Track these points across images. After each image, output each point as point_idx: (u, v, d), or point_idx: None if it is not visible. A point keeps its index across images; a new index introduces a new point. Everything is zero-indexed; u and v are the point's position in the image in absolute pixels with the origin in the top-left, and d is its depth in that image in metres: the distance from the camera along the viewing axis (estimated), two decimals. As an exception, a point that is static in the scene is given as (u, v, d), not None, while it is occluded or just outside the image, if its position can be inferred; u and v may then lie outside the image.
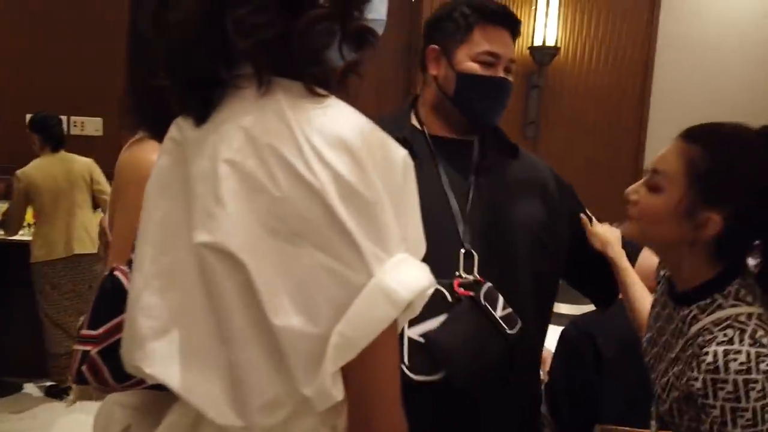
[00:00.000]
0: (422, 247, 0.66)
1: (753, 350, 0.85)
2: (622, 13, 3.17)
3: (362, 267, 0.56)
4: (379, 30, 0.71)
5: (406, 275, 0.58)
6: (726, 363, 0.85)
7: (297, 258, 0.56)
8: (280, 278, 0.56)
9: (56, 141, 3.26)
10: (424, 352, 1.04)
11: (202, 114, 0.63)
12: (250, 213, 0.57)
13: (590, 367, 1.53)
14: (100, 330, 0.75)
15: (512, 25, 1.24)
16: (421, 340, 1.05)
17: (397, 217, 0.60)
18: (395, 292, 0.56)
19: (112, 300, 0.75)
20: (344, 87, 0.66)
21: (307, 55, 0.61)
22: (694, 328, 0.94)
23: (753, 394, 0.84)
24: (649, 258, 1.27)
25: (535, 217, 1.25)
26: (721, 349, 0.87)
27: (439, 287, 1.07)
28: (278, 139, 0.57)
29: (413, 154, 1.11)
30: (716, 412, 0.86)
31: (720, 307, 0.93)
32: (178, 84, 0.63)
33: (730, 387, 0.85)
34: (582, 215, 1.36)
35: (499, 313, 1.10)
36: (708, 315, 0.93)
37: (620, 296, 1.32)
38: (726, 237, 0.91)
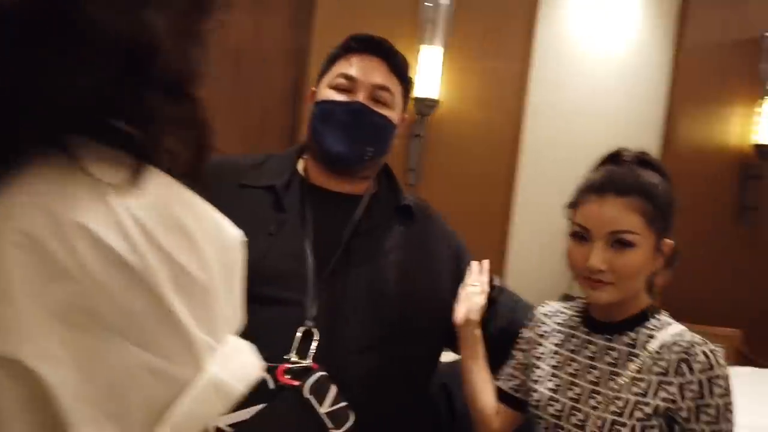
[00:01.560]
0: (237, 325, 0.60)
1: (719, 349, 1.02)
2: (498, 78, 3.40)
3: (190, 360, 0.49)
4: None
5: (238, 365, 0.53)
6: (717, 360, 0.98)
7: (108, 357, 0.46)
8: (85, 384, 0.46)
9: None
10: None
11: None
12: (45, 307, 0.45)
13: (445, 425, 1.34)
14: None
15: (383, 53, 1.13)
16: (231, 431, 0.96)
17: (226, 298, 0.55)
18: (228, 385, 0.50)
19: None
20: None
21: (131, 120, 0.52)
22: (653, 345, 1.01)
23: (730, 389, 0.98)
24: None
25: (408, 295, 1.09)
26: (707, 348, 1.00)
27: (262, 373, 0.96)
28: (90, 215, 0.46)
29: (281, 207, 1.06)
30: (712, 411, 0.97)
31: (668, 323, 1.06)
32: None
33: (722, 383, 0.97)
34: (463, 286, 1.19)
35: (325, 408, 0.95)
36: (662, 331, 1.04)
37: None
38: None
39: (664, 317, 1.09)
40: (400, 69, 1.15)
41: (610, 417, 1.01)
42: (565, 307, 1.19)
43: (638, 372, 1.01)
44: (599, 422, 1.00)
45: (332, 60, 1.13)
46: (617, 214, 1.00)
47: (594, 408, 1.03)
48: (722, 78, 3.79)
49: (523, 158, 3.44)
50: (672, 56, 3.72)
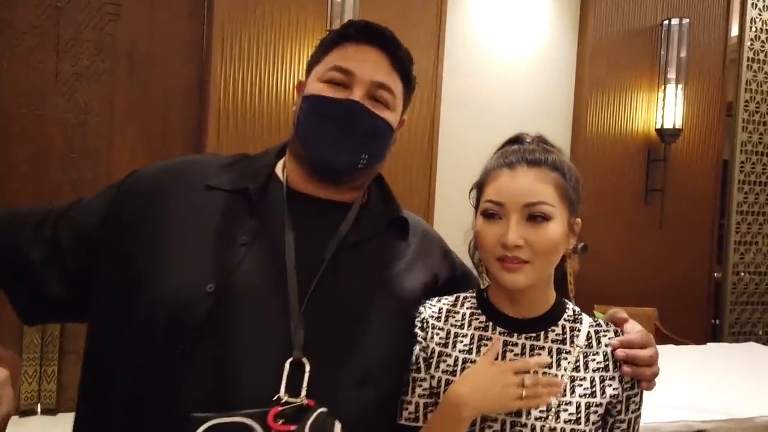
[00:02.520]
0: None
1: None
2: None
3: None
4: None
5: None
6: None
7: None
8: None
9: None
10: None
11: None
12: None
13: None
14: None
15: (385, 45, 0.94)
16: None
17: None
18: None
19: None
20: None
21: None
22: (581, 338, 0.95)
23: None
24: None
25: (402, 317, 0.95)
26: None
27: (247, 421, 0.76)
28: None
29: (256, 214, 0.88)
30: (638, 399, 0.94)
31: (579, 312, 1.00)
32: None
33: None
34: None
35: None
36: (583, 321, 0.98)
37: None
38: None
39: (571, 305, 1.01)
40: (403, 65, 0.97)
41: (567, 427, 0.89)
42: (449, 305, 1.00)
43: (575, 370, 0.93)
44: None
45: (325, 48, 0.96)
46: (531, 185, 0.91)
47: (540, 419, 0.90)
48: (625, 66, 3.93)
49: (440, 146, 3.44)
50: (576, 47, 3.81)
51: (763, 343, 3.64)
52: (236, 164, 0.98)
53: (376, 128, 0.94)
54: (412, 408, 0.95)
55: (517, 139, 1.02)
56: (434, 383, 0.95)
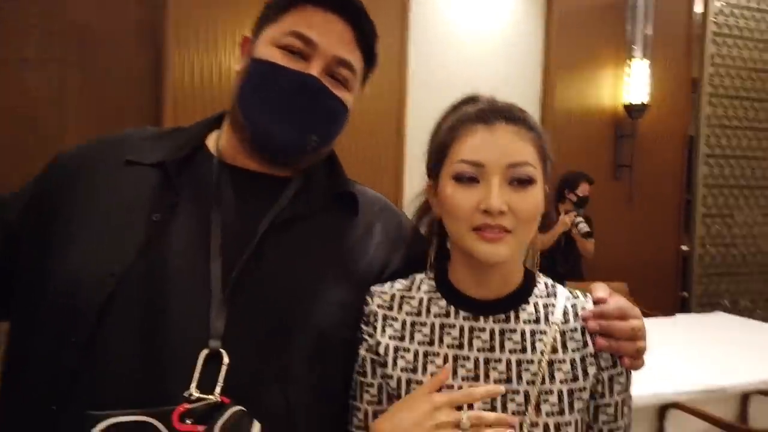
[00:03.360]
0: None
1: None
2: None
3: None
4: None
5: None
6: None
7: None
8: None
9: None
10: None
11: None
12: None
13: None
14: None
15: (351, 15, 0.84)
16: None
17: None
18: None
19: None
20: None
21: None
22: (557, 315, 0.82)
23: None
24: None
25: (332, 305, 0.83)
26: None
27: (149, 420, 0.68)
28: None
29: (175, 188, 0.79)
30: (623, 379, 0.83)
31: (552, 285, 0.87)
32: None
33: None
34: None
35: None
36: (558, 296, 0.85)
37: None
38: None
39: (543, 278, 0.88)
40: (368, 41, 0.87)
41: (550, 421, 0.78)
42: (403, 290, 0.87)
43: (554, 352, 0.80)
44: (536, 430, 0.78)
45: (282, 7, 0.83)
46: (513, 143, 0.78)
47: (518, 413, 0.78)
48: (592, 42, 3.91)
49: (409, 126, 3.39)
50: (543, 24, 3.78)
51: (730, 313, 3.70)
52: (164, 137, 0.89)
53: (331, 109, 0.85)
54: (361, 415, 0.84)
55: (473, 99, 0.89)
56: (393, 384, 0.81)
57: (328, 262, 0.84)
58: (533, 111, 3.75)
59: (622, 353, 0.81)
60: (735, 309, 4.29)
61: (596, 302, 0.84)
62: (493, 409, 0.78)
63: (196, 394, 0.71)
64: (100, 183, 0.83)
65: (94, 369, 0.72)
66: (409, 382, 0.81)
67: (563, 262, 3.48)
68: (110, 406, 0.69)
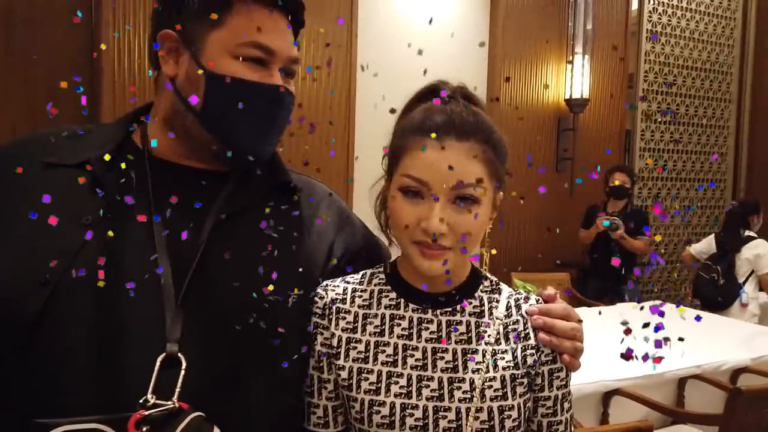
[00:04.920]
0: None
1: None
2: (324, 41, 3.26)
3: None
4: None
5: None
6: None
7: None
8: None
9: None
10: None
11: None
12: None
13: None
14: None
15: (290, 9, 0.83)
16: None
17: None
18: None
19: None
20: None
21: None
22: (501, 309, 0.87)
23: None
24: None
25: (288, 297, 0.82)
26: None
27: (102, 427, 0.65)
28: None
29: (104, 189, 0.75)
30: (563, 374, 0.86)
31: (495, 281, 0.91)
32: None
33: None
34: None
35: None
36: (501, 291, 0.89)
37: None
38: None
39: (489, 275, 0.92)
40: (298, 30, 0.87)
41: (494, 405, 0.81)
42: (355, 283, 0.89)
43: (497, 343, 0.85)
44: (481, 415, 0.80)
45: (223, 5, 0.79)
46: (461, 163, 0.78)
47: (464, 400, 0.81)
48: (536, 38, 3.98)
49: (358, 115, 3.37)
50: (488, 17, 3.82)
51: (663, 300, 3.88)
52: (85, 135, 0.83)
53: (290, 109, 0.86)
54: (320, 412, 0.85)
55: (435, 90, 0.88)
56: (345, 375, 0.83)
57: (274, 255, 0.82)
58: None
59: (562, 350, 0.85)
60: (668, 297, 4.51)
61: (545, 300, 0.89)
62: (441, 396, 0.82)
63: (152, 400, 0.68)
64: (19, 189, 0.77)
65: (34, 379, 0.68)
66: (360, 371, 0.83)
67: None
68: (58, 416, 0.65)
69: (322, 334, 0.85)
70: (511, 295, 0.89)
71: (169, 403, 0.68)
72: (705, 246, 3.76)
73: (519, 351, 0.85)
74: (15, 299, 0.69)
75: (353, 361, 0.84)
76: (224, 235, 0.80)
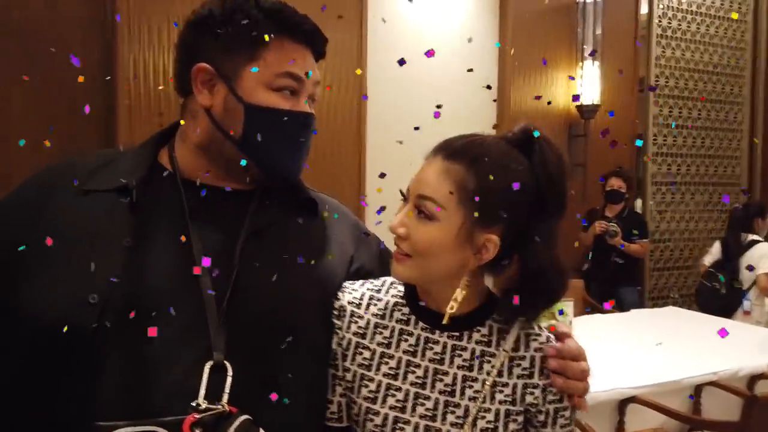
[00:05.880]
0: None
1: None
2: (335, 51, 3.28)
3: None
4: None
5: None
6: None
7: None
8: None
9: None
10: None
11: None
12: None
13: None
14: None
15: (319, 46, 0.91)
16: None
17: None
18: None
19: None
20: None
21: None
22: (509, 342, 0.86)
23: None
24: None
25: (318, 304, 0.89)
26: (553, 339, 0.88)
27: (159, 430, 0.71)
28: None
29: (140, 211, 0.80)
30: (568, 413, 0.86)
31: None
32: None
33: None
34: None
35: None
36: (513, 325, 0.88)
37: None
38: (500, 257, 0.84)
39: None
40: (319, 59, 0.93)
41: None
42: (373, 290, 0.92)
43: (499, 375, 0.85)
44: None
45: (255, 40, 0.84)
46: (431, 177, 0.83)
47: (456, 425, 0.83)
48: (545, 43, 3.99)
49: (369, 124, 3.39)
50: (498, 25, 3.83)
51: (680, 306, 3.85)
52: (114, 161, 0.88)
53: (314, 130, 0.93)
54: (334, 408, 0.89)
55: (526, 131, 0.89)
56: (349, 377, 0.87)
57: (302, 265, 0.88)
58: (488, 106, 3.80)
59: (572, 392, 0.86)
60: (684, 303, 4.47)
61: (559, 338, 0.88)
62: (435, 416, 0.84)
63: (204, 404, 0.73)
64: (61, 215, 0.81)
65: (94, 390, 0.73)
66: (362, 377, 0.87)
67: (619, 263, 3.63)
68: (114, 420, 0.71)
69: (337, 333, 0.89)
70: (523, 327, 0.88)
71: (219, 406, 0.74)
72: (714, 252, 3.65)
73: (520, 387, 0.85)
74: (69, 320, 0.74)
75: (358, 366, 0.87)
76: (255, 250, 0.85)
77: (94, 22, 2.79)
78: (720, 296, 3.43)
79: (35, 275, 0.77)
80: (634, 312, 3.30)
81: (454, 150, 0.84)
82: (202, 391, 0.74)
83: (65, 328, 0.73)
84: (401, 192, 0.87)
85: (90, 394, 0.73)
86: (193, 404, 0.73)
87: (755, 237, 3.48)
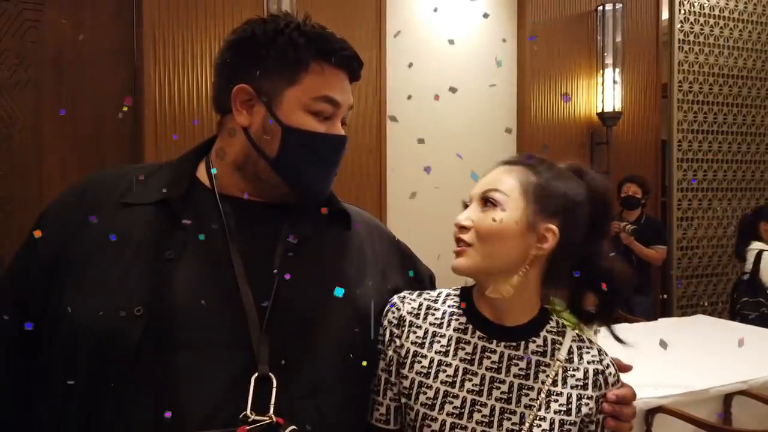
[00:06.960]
0: None
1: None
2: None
3: None
4: None
5: None
6: (617, 371, 0.94)
7: None
8: None
9: None
10: None
11: None
12: None
13: None
14: None
15: (356, 71, 0.94)
16: None
17: None
18: None
19: None
20: None
21: None
22: (563, 352, 0.92)
23: None
24: None
25: (355, 315, 0.90)
26: (610, 358, 0.94)
27: None
28: None
29: (182, 224, 0.82)
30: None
31: (564, 326, 0.96)
32: None
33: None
34: None
35: None
36: (566, 336, 0.94)
37: None
38: (556, 256, 0.91)
39: (555, 317, 0.97)
40: (353, 82, 0.96)
41: None
42: (430, 301, 0.97)
43: (553, 384, 0.90)
44: None
45: (296, 65, 0.86)
46: (495, 176, 0.93)
47: (511, 431, 0.87)
48: (565, 52, 3.99)
49: (389, 138, 3.41)
50: (516, 35, 3.84)
51: (709, 314, 3.77)
52: (153, 175, 0.91)
53: (345, 149, 0.96)
54: (383, 410, 0.93)
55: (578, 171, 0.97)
56: (407, 384, 0.91)
57: (339, 275, 0.91)
58: (510, 119, 3.81)
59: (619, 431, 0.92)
60: (714, 311, 4.38)
61: (622, 369, 0.97)
62: (491, 423, 0.88)
63: (252, 416, 0.75)
64: (102, 228, 0.83)
65: (139, 403, 0.75)
66: (420, 384, 0.91)
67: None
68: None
69: (394, 342, 0.93)
70: (575, 340, 0.94)
71: (267, 418, 0.76)
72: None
73: (574, 397, 0.89)
74: (116, 332, 0.76)
75: (416, 374, 0.91)
76: (293, 261, 0.87)
77: (123, 46, 2.89)
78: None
79: (82, 281, 0.80)
80: (660, 321, 3.24)
81: (514, 160, 0.94)
82: (250, 403, 0.75)
83: (111, 339, 0.75)
84: (463, 202, 0.94)
85: (133, 405, 0.75)
86: (242, 416, 0.75)
87: (762, 245, 3.33)
